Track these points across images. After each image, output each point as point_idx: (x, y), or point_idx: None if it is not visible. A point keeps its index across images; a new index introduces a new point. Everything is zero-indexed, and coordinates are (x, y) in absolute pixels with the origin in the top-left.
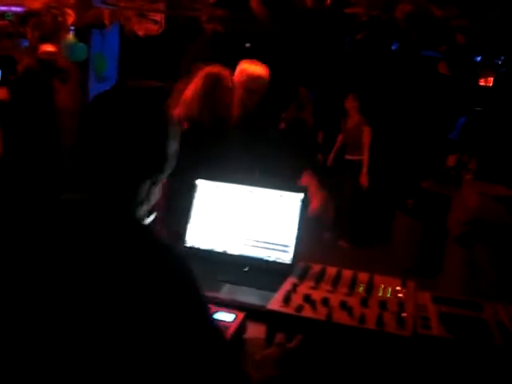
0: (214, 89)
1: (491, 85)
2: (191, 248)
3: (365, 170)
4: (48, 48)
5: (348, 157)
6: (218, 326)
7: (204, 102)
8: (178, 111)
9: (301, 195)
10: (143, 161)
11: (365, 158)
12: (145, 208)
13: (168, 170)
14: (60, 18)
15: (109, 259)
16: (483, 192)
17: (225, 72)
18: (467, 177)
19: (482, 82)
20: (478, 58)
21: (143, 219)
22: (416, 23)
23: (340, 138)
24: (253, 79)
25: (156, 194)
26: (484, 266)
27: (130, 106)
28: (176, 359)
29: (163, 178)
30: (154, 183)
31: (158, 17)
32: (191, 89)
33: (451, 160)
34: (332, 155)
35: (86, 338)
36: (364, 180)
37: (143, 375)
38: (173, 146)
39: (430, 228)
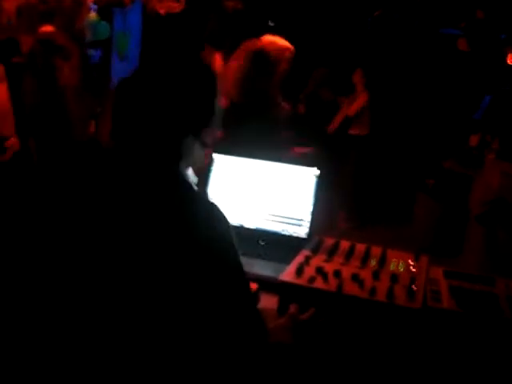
0: (259, 66)
1: None
2: None
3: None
4: (46, 28)
5: (352, 131)
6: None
7: (250, 82)
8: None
9: (316, 170)
10: (194, 115)
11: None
12: (187, 163)
13: (214, 125)
14: None
15: (152, 214)
16: (506, 171)
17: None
18: (490, 156)
19: (510, 61)
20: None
21: (185, 174)
22: None
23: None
24: (285, 49)
25: (199, 151)
26: (505, 246)
27: (183, 68)
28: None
29: (208, 133)
30: (196, 138)
31: None
32: (234, 66)
33: (474, 140)
34: (335, 125)
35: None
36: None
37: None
38: (217, 103)
39: (451, 208)
